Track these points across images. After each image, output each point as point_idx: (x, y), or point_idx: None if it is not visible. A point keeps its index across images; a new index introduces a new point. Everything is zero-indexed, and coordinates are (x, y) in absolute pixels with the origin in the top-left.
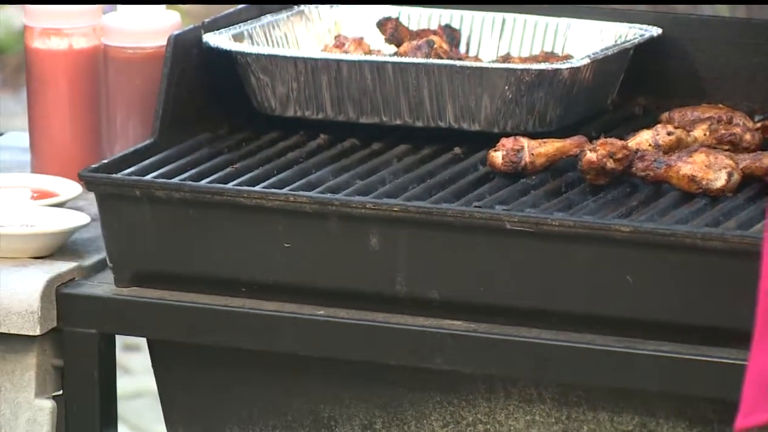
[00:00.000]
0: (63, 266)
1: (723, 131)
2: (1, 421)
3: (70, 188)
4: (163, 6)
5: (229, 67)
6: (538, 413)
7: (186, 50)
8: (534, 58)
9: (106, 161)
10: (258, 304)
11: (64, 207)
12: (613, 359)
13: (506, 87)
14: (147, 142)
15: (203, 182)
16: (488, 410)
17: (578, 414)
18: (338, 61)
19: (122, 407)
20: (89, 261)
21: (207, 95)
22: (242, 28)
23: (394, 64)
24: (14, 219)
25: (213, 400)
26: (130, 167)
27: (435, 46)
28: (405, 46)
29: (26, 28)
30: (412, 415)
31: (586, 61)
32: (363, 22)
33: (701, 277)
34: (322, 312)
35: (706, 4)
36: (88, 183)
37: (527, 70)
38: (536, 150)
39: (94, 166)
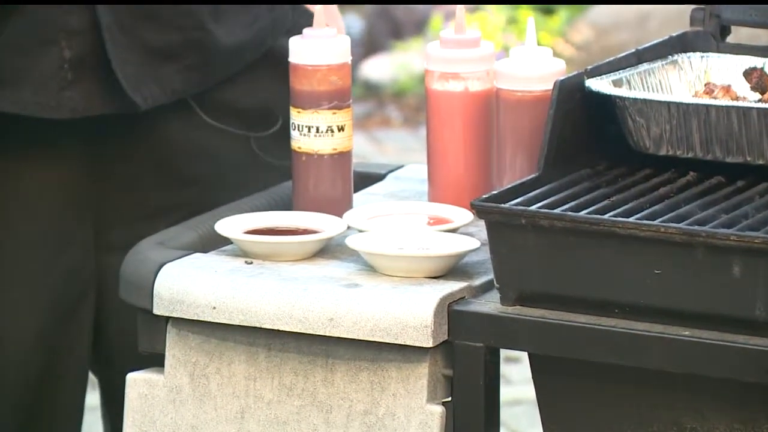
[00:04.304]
0: (454, 285)
1: None
2: (396, 423)
3: (463, 216)
4: (550, 53)
5: (608, 109)
6: None
7: (570, 94)
8: None
9: (495, 192)
10: (629, 324)
11: (457, 232)
12: None
13: None
14: (532, 176)
15: (582, 213)
16: None
17: None
18: (707, 106)
19: (503, 413)
20: (478, 281)
21: (587, 134)
22: (621, 74)
23: (758, 109)
24: (412, 242)
25: (586, 409)
26: (516, 198)
27: None
28: None
29: (427, 72)
30: None
31: None
32: (730, 71)
33: None
34: (687, 333)
35: None
36: (479, 211)
37: None
38: None
39: (484, 196)
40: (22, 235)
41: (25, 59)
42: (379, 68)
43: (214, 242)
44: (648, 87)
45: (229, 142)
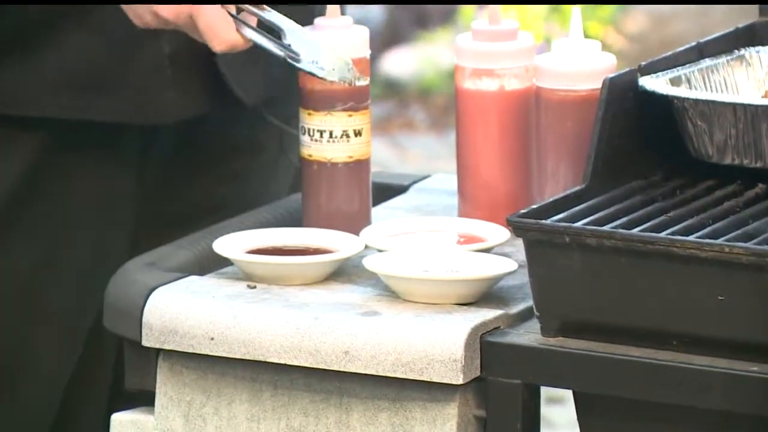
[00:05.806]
0: (488, 314)
1: None
2: None
3: (498, 233)
4: (599, 46)
5: (665, 111)
6: None
7: (621, 93)
8: None
9: (535, 206)
10: (688, 358)
11: (491, 253)
12: None
13: None
14: (577, 187)
15: (635, 230)
16: None
17: None
18: None
19: None
20: (515, 309)
21: (640, 140)
22: (680, 71)
23: None
24: (440, 264)
25: None
26: (559, 213)
27: None
28: None
29: (457, 68)
30: None
31: None
32: None
33: None
34: (756, 368)
35: None
36: (517, 228)
37: None
38: None
39: (522, 211)
40: (65, 262)
41: (122, 59)
42: (401, 63)
43: (212, 263)
44: (711, 86)
45: (267, 137)
